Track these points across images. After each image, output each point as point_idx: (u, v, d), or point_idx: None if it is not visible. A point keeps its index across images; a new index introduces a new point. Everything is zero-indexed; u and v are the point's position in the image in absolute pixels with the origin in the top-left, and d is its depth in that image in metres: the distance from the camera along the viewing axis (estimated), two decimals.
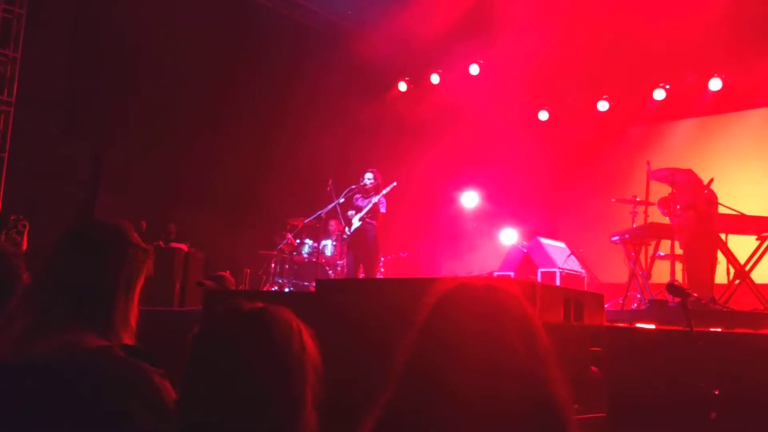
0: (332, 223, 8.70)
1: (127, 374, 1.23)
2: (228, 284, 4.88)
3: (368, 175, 7.30)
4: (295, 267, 8.42)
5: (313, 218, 7.45)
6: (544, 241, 7.62)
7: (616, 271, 7.36)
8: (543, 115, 10.10)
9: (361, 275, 7.10)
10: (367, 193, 7.29)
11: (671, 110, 9.29)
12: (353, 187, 7.38)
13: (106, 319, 1.38)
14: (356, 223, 7.20)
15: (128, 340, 1.41)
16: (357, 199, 7.36)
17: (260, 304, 1.20)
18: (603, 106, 9.62)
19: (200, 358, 1.15)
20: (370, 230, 7.16)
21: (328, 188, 7.51)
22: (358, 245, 7.18)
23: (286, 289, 8.04)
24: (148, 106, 8.17)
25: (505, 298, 1.04)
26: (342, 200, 7.38)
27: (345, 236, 7.38)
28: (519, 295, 1.05)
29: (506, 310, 1.02)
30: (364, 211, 7.12)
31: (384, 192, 7.11)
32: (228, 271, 5.68)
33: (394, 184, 7.16)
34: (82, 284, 1.38)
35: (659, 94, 9.25)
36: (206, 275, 5.97)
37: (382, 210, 7.20)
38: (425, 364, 0.98)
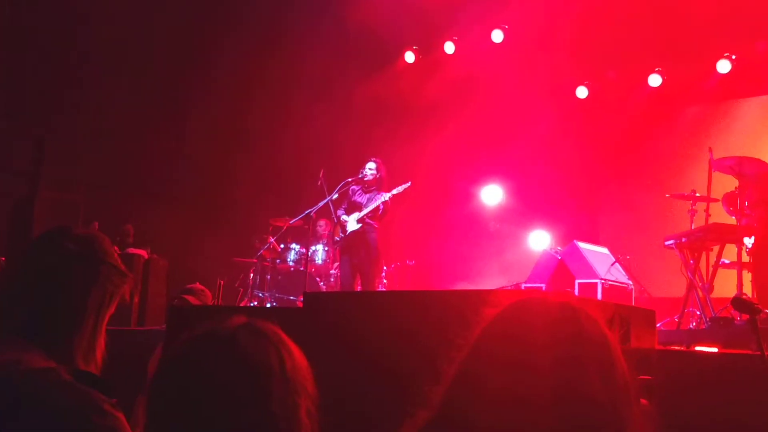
0: (323, 223, 8.81)
1: (69, 401, 1.26)
2: (207, 299, 4.91)
3: (370, 166, 7.32)
4: (279, 277, 8.51)
5: (301, 218, 7.48)
6: (582, 245, 7.66)
7: (670, 282, 7.41)
8: (581, 92, 10.05)
9: (359, 287, 7.18)
10: (368, 187, 7.31)
11: (738, 85, 9.24)
12: (350, 180, 7.41)
13: (60, 341, 1.43)
14: (353, 224, 7.23)
15: (86, 367, 1.45)
16: (354, 193, 7.38)
17: (239, 321, 1.24)
18: (655, 80, 9.57)
19: (163, 392, 1.19)
20: (369, 232, 7.19)
21: (319, 182, 7.56)
22: (354, 251, 7.20)
23: (268, 305, 8.11)
24: (99, 88, 8.20)
25: (583, 319, 1.09)
26: (336, 196, 7.42)
27: (337, 239, 7.44)
28: (599, 319, 1.11)
29: (583, 334, 1.07)
30: (367, 210, 7.16)
31: (395, 192, 7.14)
32: (198, 283, 5.69)
33: (408, 184, 7.15)
34: (38, 300, 1.44)
35: (724, 66, 9.17)
36: (179, 289, 5.99)
37: (385, 212, 7.23)
38: (477, 384, 1.04)
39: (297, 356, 1.25)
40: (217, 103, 9.20)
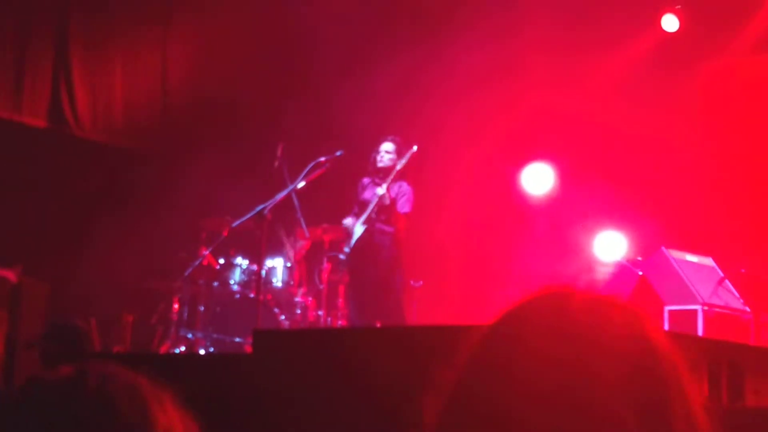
0: (282, 226, 8.77)
1: None
2: (84, 341, 4.95)
3: (387, 147, 7.76)
4: (217, 309, 8.56)
5: (250, 218, 7.67)
6: (674, 255, 7.73)
7: None
8: (669, 23, 9.98)
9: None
10: (385, 177, 7.65)
11: None
12: (321, 159, 7.66)
13: None
14: (358, 229, 7.61)
15: None
16: (364, 189, 7.83)
17: (77, 368, 1.31)
18: None
19: None
20: (385, 244, 7.55)
21: (276, 162, 7.85)
22: (364, 270, 7.58)
23: (202, 350, 8.26)
24: None
25: (615, 315, 1.17)
26: (302, 184, 7.66)
27: (342, 257, 7.88)
28: (643, 315, 1.19)
29: (616, 334, 1.15)
30: (370, 207, 7.54)
31: (397, 167, 7.54)
32: (94, 319, 5.64)
33: (414, 149, 7.59)
34: None
35: None
36: (52, 325, 6.01)
37: (404, 208, 7.61)
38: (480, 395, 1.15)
39: (173, 416, 1.31)
40: (106, 40, 9.61)
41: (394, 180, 7.59)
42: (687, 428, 1.13)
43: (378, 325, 7.47)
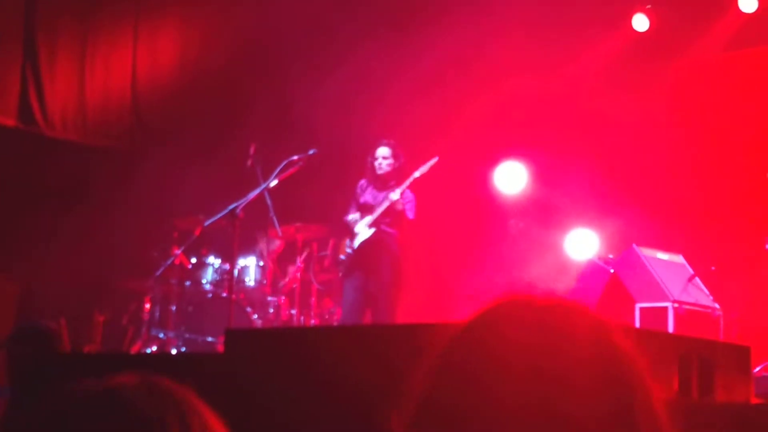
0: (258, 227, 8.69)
1: None
2: (53, 342, 4.94)
3: (382, 152, 7.72)
4: (189, 309, 8.60)
5: (222, 217, 7.57)
6: (645, 252, 7.80)
7: None
8: (639, 22, 10.06)
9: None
10: (383, 182, 7.72)
11: None
12: (294, 158, 7.62)
13: None
14: (365, 231, 7.60)
15: None
16: (364, 192, 7.86)
17: (129, 377, 1.30)
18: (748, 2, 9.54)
19: None
20: (389, 245, 7.61)
21: (249, 161, 7.85)
22: (368, 270, 7.58)
23: (174, 349, 8.25)
24: None
25: (576, 322, 1.18)
26: (275, 182, 7.63)
27: (342, 258, 7.89)
28: (605, 321, 1.20)
29: (578, 340, 1.16)
30: (380, 210, 7.56)
31: (416, 175, 7.62)
32: (64, 319, 5.63)
33: (435, 159, 7.70)
34: None
35: None
36: (20, 326, 5.97)
37: (410, 214, 7.65)
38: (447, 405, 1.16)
39: (210, 423, 1.30)
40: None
41: (398, 184, 7.64)
42: (651, 430, 1.14)
43: (368, 320, 7.55)
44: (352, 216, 7.75)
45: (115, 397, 1.28)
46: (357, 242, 7.64)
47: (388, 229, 7.60)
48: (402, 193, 7.50)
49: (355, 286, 7.64)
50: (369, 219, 7.62)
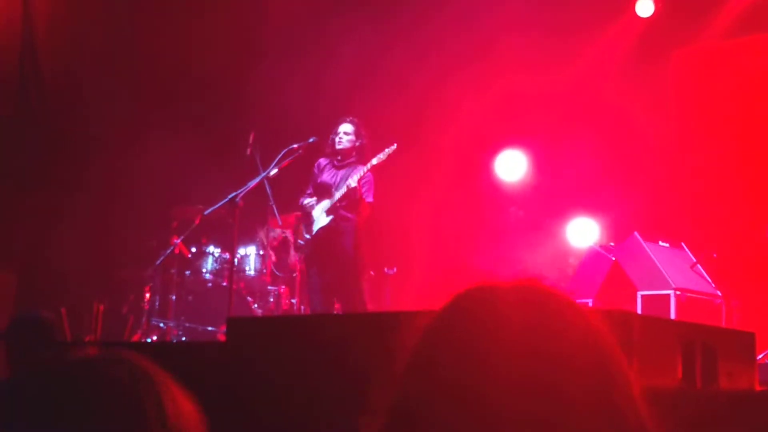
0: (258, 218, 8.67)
1: None
2: (51, 332, 4.95)
3: (345, 128, 7.56)
4: (189, 298, 8.58)
5: (222, 206, 7.58)
6: (646, 242, 7.70)
7: None
8: (643, 7, 10.00)
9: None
10: (342, 160, 7.54)
11: None
12: (294, 146, 7.57)
13: None
14: (322, 217, 7.45)
15: None
16: (322, 171, 7.63)
17: (89, 353, 1.32)
18: None
19: None
20: (347, 231, 7.43)
21: (249, 150, 7.76)
22: (326, 258, 7.45)
23: (174, 338, 8.27)
24: None
25: (552, 302, 1.20)
26: (275, 171, 7.60)
27: (301, 243, 7.76)
28: (575, 302, 1.22)
29: (558, 320, 1.18)
30: (338, 195, 7.39)
31: (374, 162, 7.35)
32: (64, 309, 5.61)
33: (394, 147, 7.40)
34: None
35: None
36: (18, 316, 5.96)
37: (368, 197, 7.45)
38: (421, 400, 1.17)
39: (182, 403, 1.33)
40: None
41: (360, 165, 7.48)
42: (632, 415, 1.14)
43: (338, 310, 7.46)
44: (308, 200, 7.57)
45: (93, 368, 1.29)
46: (315, 228, 7.49)
47: (347, 214, 7.42)
48: (360, 179, 7.30)
49: (313, 273, 7.55)
50: (326, 203, 7.45)
